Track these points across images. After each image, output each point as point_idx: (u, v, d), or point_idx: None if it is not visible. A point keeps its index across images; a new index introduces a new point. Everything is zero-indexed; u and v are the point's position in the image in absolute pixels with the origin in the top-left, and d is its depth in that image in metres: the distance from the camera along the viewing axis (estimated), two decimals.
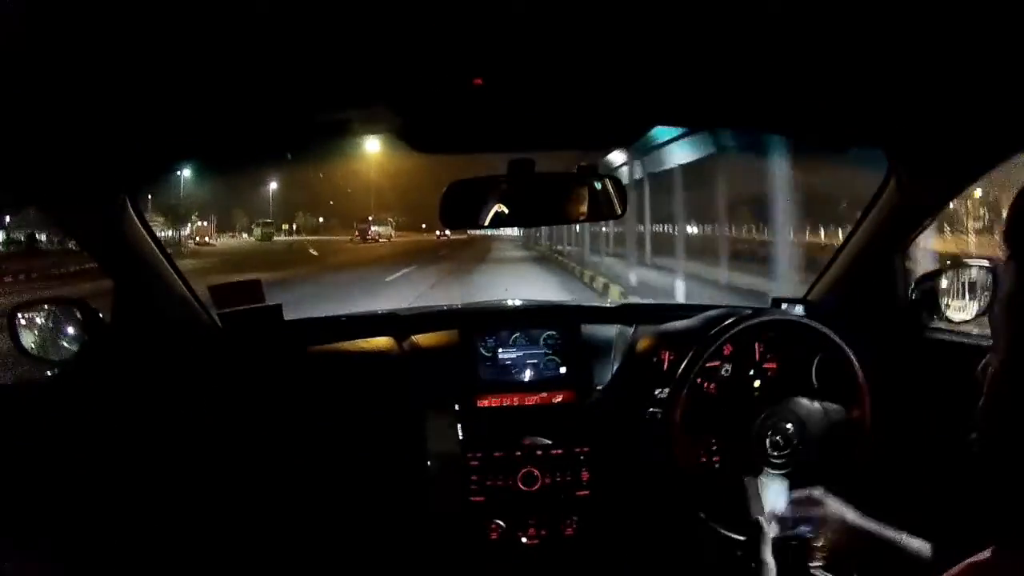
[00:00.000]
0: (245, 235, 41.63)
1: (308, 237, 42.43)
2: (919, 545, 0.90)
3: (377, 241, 32.62)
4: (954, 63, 0.86)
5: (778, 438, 1.32)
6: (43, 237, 18.13)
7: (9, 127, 0.88)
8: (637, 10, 0.77)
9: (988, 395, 0.52)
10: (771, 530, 1.06)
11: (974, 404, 0.53)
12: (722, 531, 1.38)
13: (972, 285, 1.24)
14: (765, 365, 1.40)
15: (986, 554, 0.47)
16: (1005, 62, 0.83)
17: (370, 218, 37.05)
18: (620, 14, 0.78)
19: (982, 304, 1.23)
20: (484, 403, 1.45)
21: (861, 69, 0.90)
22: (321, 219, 61.99)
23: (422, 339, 1.55)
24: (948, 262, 1.28)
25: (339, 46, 0.84)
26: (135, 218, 1.19)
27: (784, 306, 1.50)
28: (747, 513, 1.18)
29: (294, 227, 53.13)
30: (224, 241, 33.39)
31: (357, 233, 35.09)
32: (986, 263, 1.24)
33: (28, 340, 1.13)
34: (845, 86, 0.98)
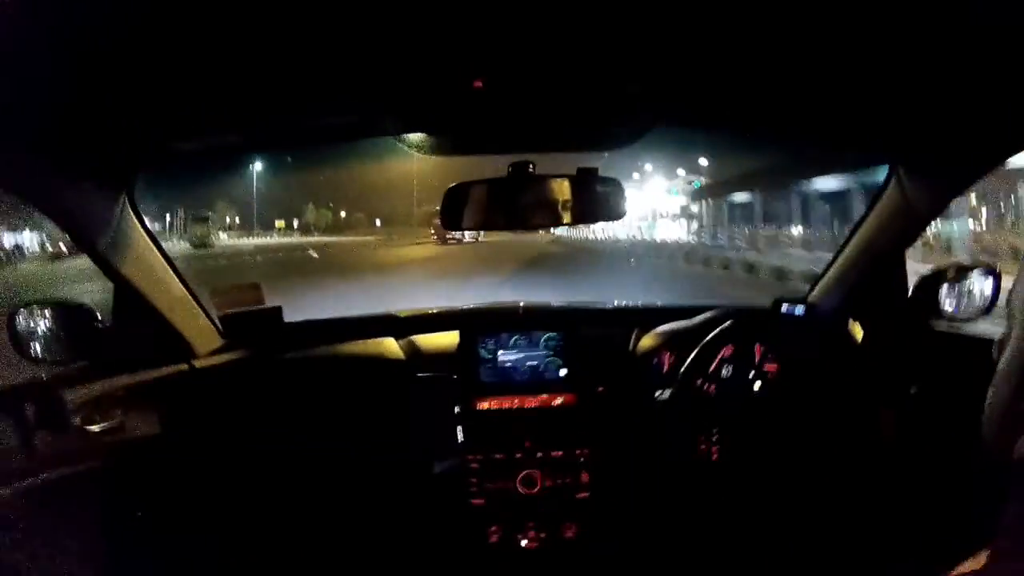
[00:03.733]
0: (223, 235, 32.52)
1: (322, 238, 32.38)
2: None
3: (461, 243, 24.67)
4: (954, 66, 0.86)
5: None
6: None
7: (9, 124, 0.88)
8: (637, 12, 0.77)
9: (1001, 373, 0.52)
10: None
11: (977, 395, 0.53)
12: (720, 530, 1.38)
13: (973, 287, 1.24)
14: (766, 367, 1.41)
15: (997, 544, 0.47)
16: (1004, 65, 0.83)
17: None
18: (620, 16, 0.78)
19: (983, 305, 1.23)
20: (484, 405, 1.44)
21: (862, 71, 0.91)
22: (344, 214, 48.50)
23: (422, 341, 1.55)
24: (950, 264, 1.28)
25: (338, 49, 0.84)
26: (135, 219, 1.19)
27: (785, 307, 1.50)
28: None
29: (294, 224, 40.88)
30: None
31: (433, 232, 27.15)
32: (987, 266, 1.25)
33: (27, 341, 1.13)
34: (846, 88, 0.98)
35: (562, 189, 1.31)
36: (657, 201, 31.41)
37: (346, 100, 1.06)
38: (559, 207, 1.33)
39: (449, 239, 24.73)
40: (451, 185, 1.27)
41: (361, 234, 36.24)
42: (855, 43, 0.82)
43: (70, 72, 0.79)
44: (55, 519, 1.02)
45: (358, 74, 0.93)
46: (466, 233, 22.20)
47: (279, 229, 38.17)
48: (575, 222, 1.33)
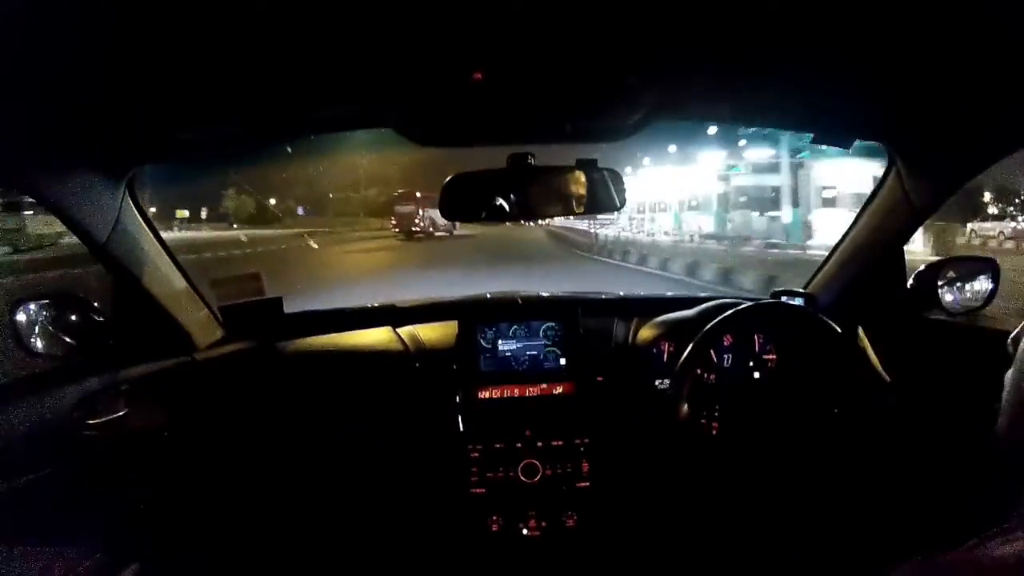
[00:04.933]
0: None
1: (235, 233, 25.39)
2: None
3: (433, 236, 20.47)
4: (955, 59, 0.85)
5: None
6: None
7: (8, 116, 0.87)
8: (638, 3, 0.76)
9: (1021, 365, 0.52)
10: None
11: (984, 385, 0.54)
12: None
13: (973, 280, 1.25)
14: (765, 356, 1.42)
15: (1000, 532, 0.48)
16: (1005, 58, 0.83)
17: (418, 195, 20.78)
18: (621, 6, 0.77)
19: (983, 298, 1.24)
20: (484, 395, 1.45)
21: (863, 63, 0.90)
22: (273, 201, 37.14)
23: (422, 331, 1.56)
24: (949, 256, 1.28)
25: (338, 40, 0.83)
26: (135, 210, 1.19)
27: (784, 298, 1.51)
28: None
29: (202, 215, 31.77)
30: None
31: (394, 222, 22.16)
32: (987, 259, 1.25)
33: (28, 335, 1.13)
34: (848, 80, 0.97)
35: (561, 180, 1.30)
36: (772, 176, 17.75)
37: (346, 91, 1.05)
38: (558, 198, 1.33)
39: (415, 232, 20.63)
40: (450, 177, 1.27)
41: (288, 226, 28.97)
42: (857, 34, 0.81)
43: (69, 62, 0.78)
44: (57, 515, 1.03)
45: (358, 65, 0.92)
46: (437, 226, 19.99)
47: (180, 220, 30.14)
48: (574, 213, 1.33)
